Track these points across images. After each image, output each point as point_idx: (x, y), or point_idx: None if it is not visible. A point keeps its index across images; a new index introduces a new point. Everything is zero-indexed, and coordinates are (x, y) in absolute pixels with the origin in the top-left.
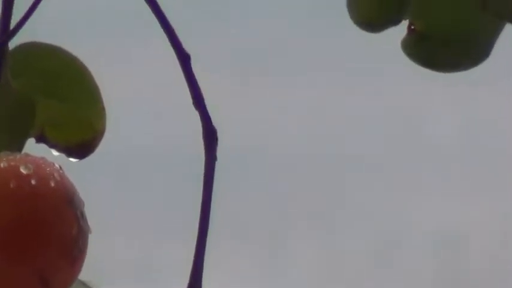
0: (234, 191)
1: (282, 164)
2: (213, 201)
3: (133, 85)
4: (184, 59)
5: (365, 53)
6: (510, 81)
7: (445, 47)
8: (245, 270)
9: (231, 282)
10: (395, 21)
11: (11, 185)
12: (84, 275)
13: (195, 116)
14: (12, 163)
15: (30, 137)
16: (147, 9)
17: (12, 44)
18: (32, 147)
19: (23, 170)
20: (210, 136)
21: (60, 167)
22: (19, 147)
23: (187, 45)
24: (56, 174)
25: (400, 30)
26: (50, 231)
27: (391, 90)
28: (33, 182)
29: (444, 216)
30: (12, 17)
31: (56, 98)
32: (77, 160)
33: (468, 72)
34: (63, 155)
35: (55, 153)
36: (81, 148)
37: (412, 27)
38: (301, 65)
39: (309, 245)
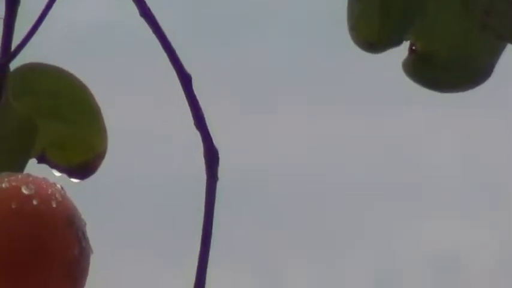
0: (234, 214)
1: (282, 188)
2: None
3: (133, 106)
4: (185, 80)
5: (366, 77)
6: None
7: (446, 67)
8: (244, 287)
9: None
10: (397, 42)
11: (13, 206)
12: None
13: (197, 136)
14: (13, 183)
15: (31, 157)
16: (148, 31)
17: (13, 65)
18: (34, 168)
19: (24, 191)
20: (212, 156)
21: (62, 188)
22: (20, 167)
23: (188, 67)
24: (57, 195)
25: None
26: (51, 252)
27: (391, 115)
28: (34, 202)
29: (443, 241)
30: (13, 38)
31: (57, 119)
32: (78, 181)
33: (468, 95)
34: (65, 176)
35: (56, 173)
36: (83, 169)
37: (413, 48)
38: (302, 90)
39: (309, 270)
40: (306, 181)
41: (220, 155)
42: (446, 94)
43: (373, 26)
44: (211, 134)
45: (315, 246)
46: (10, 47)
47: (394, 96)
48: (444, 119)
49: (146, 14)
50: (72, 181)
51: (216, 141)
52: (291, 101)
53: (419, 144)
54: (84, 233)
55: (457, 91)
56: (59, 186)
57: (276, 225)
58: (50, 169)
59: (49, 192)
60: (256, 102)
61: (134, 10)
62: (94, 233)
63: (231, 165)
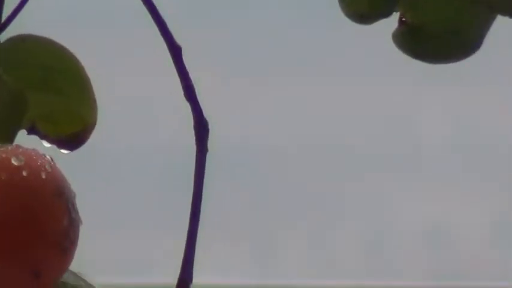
0: (225, 183)
1: (274, 157)
2: (204, 194)
3: (123, 77)
4: (175, 51)
5: (358, 48)
6: (501, 80)
7: (436, 38)
8: (236, 262)
9: (221, 275)
10: (387, 13)
11: (2, 177)
12: (74, 265)
13: (187, 108)
14: (3, 155)
15: (21, 128)
16: (138, 1)
17: (3, 37)
18: (24, 138)
19: (14, 162)
20: (202, 128)
21: (52, 159)
22: (10, 138)
23: (178, 38)
24: (47, 166)
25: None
26: (41, 222)
27: (382, 88)
28: (24, 173)
29: (433, 215)
30: (4, 10)
31: (47, 91)
32: (68, 152)
33: (460, 71)
34: (54, 147)
35: (46, 144)
36: (72, 140)
37: (403, 19)
38: (295, 61)
39: (300, 237)
40: (296, 151)
41: (210, 127)
42: (436, 65)
43: None
44: (201, 106)
45: (306, 217)
46: (0, 19)
47: (385, 67)
48: (434, 91)
49: None
50: (62, 152)
51: (206, 113)
52: (282, 71)
53: (411, 116)
54: (73, 204)
55: (447, 62)
56: (48, 157)
57: (266, 196)
58: (40, 140)
59: (38, 163)
60: (246, 73)
61: None
62: (83, 205)
63: (222, 137)
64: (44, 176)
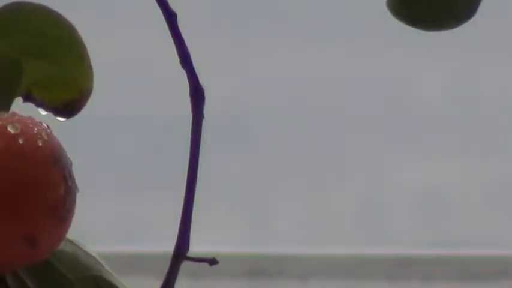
0: (223, 149)
1: (267, 123)
2: (200, 159)
3: (119, 45)
4: (171, 17)
5: (350, 15)
6: (495, 46)
7: (431, 5)
8: (232, 225)
9: (219, 239)
10: None
11: None
12: (72, 233)
13: (183, 74)
14: None
15: (17, 96)
16: None
17: None
18: (19, 106)
19: (10, 130)
20: (197, 94)
21: (48, 127)
22: (6, 106)
23: (173, 4)
24: (43, 134)
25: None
26: (37, 190)
27: (377, 52)
28: (20, 141)
29: (426, 176)
30: None
31: (42, 58)
32: (64, 119)
33: (453, 33)
34: (50, 115)
35: (42, 112)
36: (68, 107)
37: None
38: (290, 26)
39: (296, 201)
40: (290, 116)
41: (206, 93)
42: (431, 32)
43: None
44: (196, 73)
45: (302, 178)
46: None
47: (379, 32)
48: (429, 56)
49: None
50: (58, 120)
51: (202, 79)
52: (274, 36)
53: (404, 81)
54: (70, 172)
55: (441, 29)
56: (44, 125)
57: (262, 160)
58: (36, 108)
59: (35, 131)
60: (241, 37)
61: None
62: (80, 173)
63: (218, 102)
64: (40, 144)
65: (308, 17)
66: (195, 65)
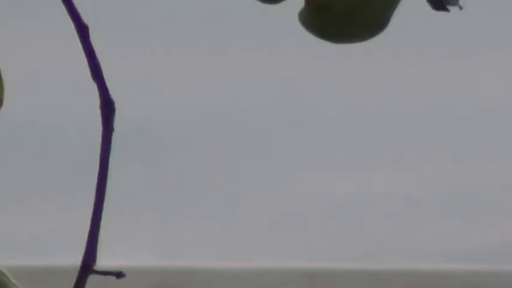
0: (132, 163)
1: (182, 135)
2: (110, 171)
3: (31, 57)
4: (82, 30)
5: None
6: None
7: (342, 18)
8: (141, 243)
9: (128, 252)
10: None
11: None
12: None
13: (95, 87)
14: None
15: None
16: None
17: None
18: None
19: None
20: (108, 107)
21: None
22: None
23: (85, 17)
24: None
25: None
26: None
27: (286, 62)
28: None
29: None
30: None
31: None
32: None
33: (365, 46)
34: None
35: None
36: None
37: None
38: (203, 40)
39: (208, 214)
40: (202, 128)
41: (116, 106)
42: (344, 46)
43: None
44: (107, 86)
45: (212, 194)
46: None
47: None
48: (341, 70)
49: None
50: None
51: (113, 92)
52: (189, 51)
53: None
54: None
55: (353, 42)
56: None
57: (174, 173)
58: None
59: None
60: (154, 52)
61: None
62: None
63: (128, 115)
64: None
65: (225, 37)
66: (106, 77)
